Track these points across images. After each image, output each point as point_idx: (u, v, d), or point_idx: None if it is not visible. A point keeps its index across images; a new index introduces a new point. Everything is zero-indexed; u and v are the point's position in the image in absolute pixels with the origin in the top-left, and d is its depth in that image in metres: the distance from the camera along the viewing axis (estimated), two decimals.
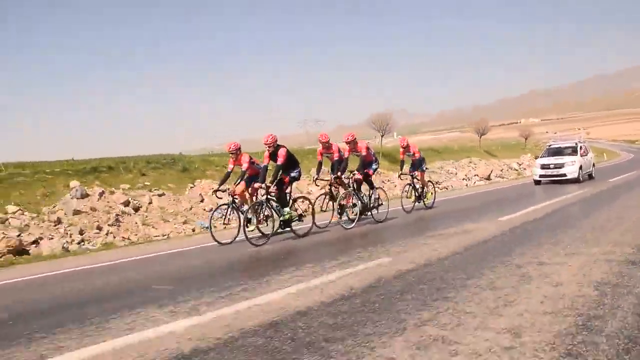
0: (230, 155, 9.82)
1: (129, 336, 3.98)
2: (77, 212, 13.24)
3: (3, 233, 11.05)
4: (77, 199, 13.89)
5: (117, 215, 13.56)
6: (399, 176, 13.91)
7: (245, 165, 9.56)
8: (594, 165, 24.22)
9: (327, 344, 3.48)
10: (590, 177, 22.39)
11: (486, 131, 66.70)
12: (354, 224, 10.47)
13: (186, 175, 19.47)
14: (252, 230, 9.19)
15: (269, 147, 9.46)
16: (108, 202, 14.36)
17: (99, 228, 12.74)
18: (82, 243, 11.97)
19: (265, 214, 9.36)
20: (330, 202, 10.83)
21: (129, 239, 12.78)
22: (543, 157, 22.39)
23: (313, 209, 10.37)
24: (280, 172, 9.44)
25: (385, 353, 3.26)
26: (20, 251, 10.89)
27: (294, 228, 9.69)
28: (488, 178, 28.74)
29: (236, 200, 9.54)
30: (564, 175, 20.33)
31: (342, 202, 10.56)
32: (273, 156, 9.58)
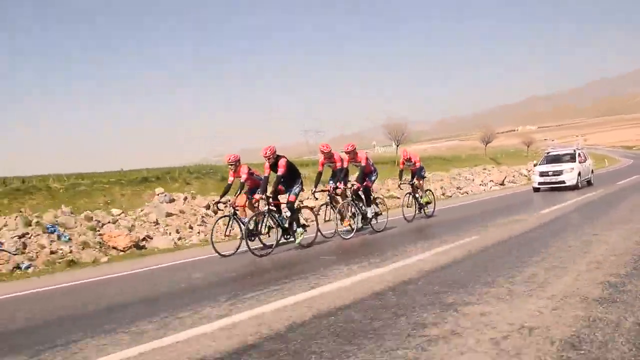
0: (230, 167, 9.84)
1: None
2: (169, 215, 15.79)
3: (120, 230, 13.52)
4: (166, 203, 16.53)
5: (202, 216, 16.11)
6: (399, 186, 13.90)
7: (244, 177, 9.60)
8: (592, 172, 24.01)
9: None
10: (589, 183, 22.23)
11: (492, 139, 67.22)
12: (352, 233, 10.47)
13: (224, 183, 21.61)
14: (252, 239, 9.24)
15: (268, 159, 9.53)
16: (192, 206, 16.92)
17: (191, 227, 15.25)
18: (181, 240, 14.40)
19: (268, 225, 9.43)
20: (333, 212, 10.79)
21: None
22: (542, 164, 22.35)
23: (317, 219, 10.34)
24: (281, 181, 9.65)
25: None
26: (138, 246, 12.36)
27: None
28: (502, 183, 29.47)
29: (237, 212, 9.61)
30: (563, 182, 20.24)
31: (342, 212, 10.63)
32: (273, 167, 9.63)
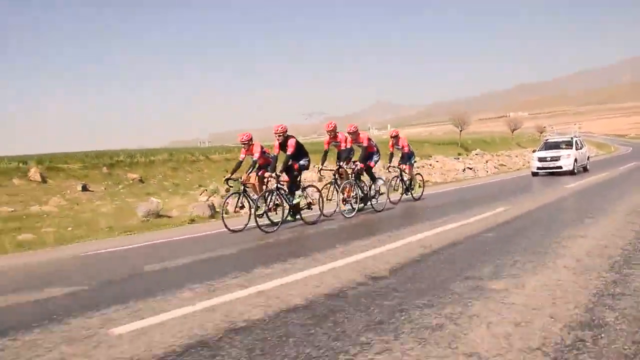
0: (242, 145, 9.99)
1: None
2: None
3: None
4: None
5: None
6: (387, 169, 13.74)
7: (257, 155, 9.79)
8: (588, 158, 25.10)
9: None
10: (585, 169, 23.02)
11: (466, 126, 64.67)
12: (354, 212, 10.58)
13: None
14: (260, 216, 9.29)
15: (278, 136, 9.70)
16: None
17: None
18: None
19: (276, 202, 9.58)
20: (336, 191, 10.84)
21: None
22: (541, 150, 23.16)
23: (321, 198, 10.41)
24: (290, 162, 9.75)
25: None
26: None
27: (303, 216, 9.96)
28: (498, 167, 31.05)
29: (247, 189, 9.73)
30: (560, 167, 21.09)
31: (344, 192, 10.73)
32: (282, 146, 9.80)
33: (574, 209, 10.23)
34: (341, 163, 10.98)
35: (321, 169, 11.17)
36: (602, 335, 3.18)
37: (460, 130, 62.83)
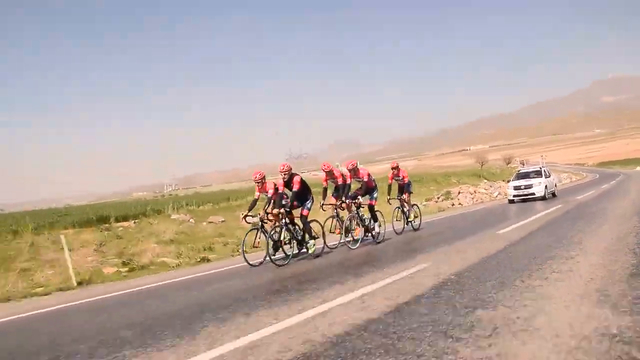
0: (256, 184, 10.38)
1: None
2: None
3: None
4: None
5: None
6: (388, 201, 13.76)
7: (271, 192, 10.26)
8: (556, 185, 28.19)
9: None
10: (554, 195, 25.44)
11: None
12: (358, 244, 11.22)
13: None
14: (275, 251, 9.92)
15: (284, 174, 10.39)
16: None
17: None
18: None
19: (284, 236, 10.08)
20: (338, 224, 11.25)
21: None
22: (514, 180, 25.53)
23: (323, 231, 10.89)
24: (295, 198, 10.43)
25: None
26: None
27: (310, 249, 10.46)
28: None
29: (264, 224, 10.13)
30: (533, 194, 23.25)
31: (347, 225, 11.17)
32: (287, 184, 10.46)
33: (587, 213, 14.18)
34: (343, 198, 11.37)
35: (323, 204, 11.54)
36: None
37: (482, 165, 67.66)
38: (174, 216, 21.94)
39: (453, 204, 28.74)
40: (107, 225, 18.46)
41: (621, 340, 3.43)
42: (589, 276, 5.52)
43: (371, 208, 12.03)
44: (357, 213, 11.57)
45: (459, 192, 32.91)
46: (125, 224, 19.01)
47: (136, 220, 19.92)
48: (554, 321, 3.98)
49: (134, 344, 4.62)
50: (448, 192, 33.45)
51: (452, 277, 6.28)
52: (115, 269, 11.57)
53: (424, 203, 28.44)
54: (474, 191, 33.74)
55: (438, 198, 31.89)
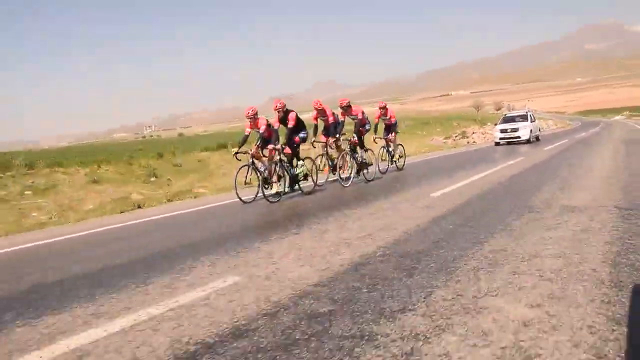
0: (248, 119, 10.19)
1: None
2: None
3: None
4: None
5: None
6: (374, 140, 13.71)
7: (263, 128, 10.05)
8: (540, 130, 29.20)
9: None
10: (537, 139, 25.93)
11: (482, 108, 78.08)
12: (350, 181, 11.18)
13: None
14: (267, 187, 9.76)
15: (278, 111, 10.30)
16: None
17: None
18: None
19: (279, 174, 10.08)
20: (327, 162, 11.36)
21: None
22: (501, 123, 25.96)
23: (316, 169, 10.97)
24: (292, 135, 10.39)
25: None
26: None
27: (301, 186, 10.54)
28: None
29: (255, 161, 10.01)
30: (519, 137, 23.84)
31: (339, 163, 11.19)
32: (283, 120, 10.33)
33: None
34: (337, 136, 11.37)
35: (313, 142, 11.47)
36: None
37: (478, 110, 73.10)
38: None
39: (468, 142, 32.66)
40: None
41: None
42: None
43: (359, 138, 11.98)
44: (351, 152, 11.56)
45: (473, 133, 37.41)
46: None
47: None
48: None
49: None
50: (464, 132, 37.93)
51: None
52: None
53: (444, 140, 33.80)
54: (484, 132, 37.85)
55: (455, 137, 36.04)
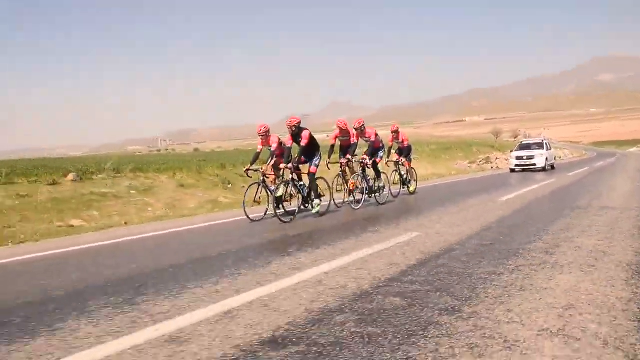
0: (260, 136, 10.05)
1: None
2: None
3: None
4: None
5: None
6: (386, 163, 13.40)
7: (274, 146, 9.84)
8: (555, 158, 30.60)
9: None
10: (552, 167, 26.54)
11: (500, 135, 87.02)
12: (360, 204, 10.77)
13: None
14: (277, 206, 9.35)
15: (292, 129, 9.74)
16: None
17: None
18: None
19: (290, 193, 9.83)
20: (343, 183, 11.14)
21: None
22: (517, 150, 26.29)
23: (330, 190, 10.74)
24: (304, 154, 9.99)
25: None
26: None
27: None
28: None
29: (266, 179, 9.83)
30: (534, 165, 24.19)
31: (350, 186, 10.93)
32: (296, 138, 9.84)
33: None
34: (349, 157, 11.14)
35: (329, 163, 11.32)
36: None
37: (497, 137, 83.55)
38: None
39: (492, 167, 36.09)
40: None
41: None
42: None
43: (374, 165, 11.78)
44: (363, 174, 11.31)
45: (497, 158, 41.40)
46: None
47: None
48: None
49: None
50: (488, 157, 41.50)
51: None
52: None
53: (468, 165, 37.55)
54: (507, 158, 40.08)
55: (479, 162, 39.97)
